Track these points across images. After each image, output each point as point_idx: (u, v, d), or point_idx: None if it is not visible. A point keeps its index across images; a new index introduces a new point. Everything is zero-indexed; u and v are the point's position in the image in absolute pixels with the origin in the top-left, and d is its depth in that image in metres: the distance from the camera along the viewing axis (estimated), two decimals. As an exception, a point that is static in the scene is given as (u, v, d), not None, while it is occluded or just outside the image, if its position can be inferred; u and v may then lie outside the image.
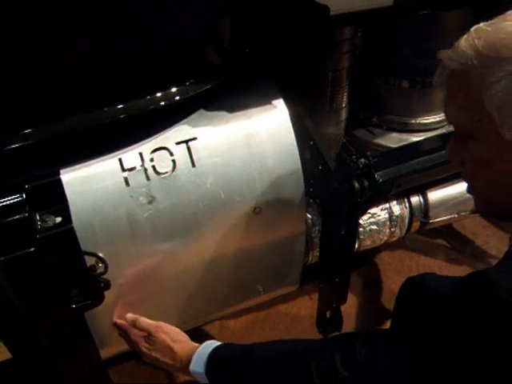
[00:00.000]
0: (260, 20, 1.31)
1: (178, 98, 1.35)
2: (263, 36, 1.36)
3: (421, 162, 1.53)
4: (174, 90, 1.35)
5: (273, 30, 1.34)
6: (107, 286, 1.24)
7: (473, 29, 0.95)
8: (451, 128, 1.04)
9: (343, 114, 1.86)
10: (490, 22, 0.95)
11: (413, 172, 1.52)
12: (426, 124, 1.98)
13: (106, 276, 1.27)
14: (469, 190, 1.06)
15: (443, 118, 1.99)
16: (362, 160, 1.41)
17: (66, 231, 1.11)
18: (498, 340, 0.82)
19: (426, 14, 1.64)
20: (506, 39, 0.89)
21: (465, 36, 0.95)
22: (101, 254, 1.25)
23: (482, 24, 0.95)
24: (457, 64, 0.94)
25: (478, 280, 0.86)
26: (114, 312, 1.39)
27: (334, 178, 1.45)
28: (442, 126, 2.00)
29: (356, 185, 1.41)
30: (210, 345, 1.28)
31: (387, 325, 1.95)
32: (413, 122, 1.97)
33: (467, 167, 1.01)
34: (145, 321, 1.38)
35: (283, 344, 1.22)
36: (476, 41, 0.91)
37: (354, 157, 1.41)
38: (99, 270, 1.23)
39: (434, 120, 1.98)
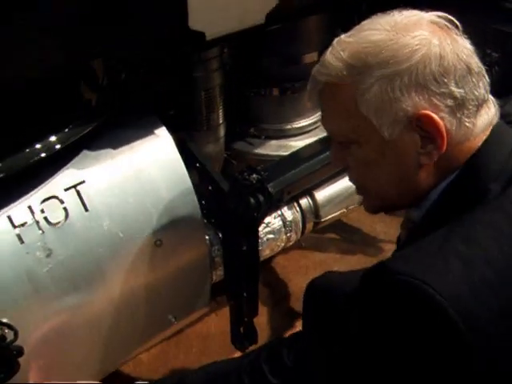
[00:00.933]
0: (138, 52, 1.29)
1: (58, 146, 1.30)
2: (141, 67, 1.34)
3: (308, 166, 1.58)
4: (53, 138, 1.31)
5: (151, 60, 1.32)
6: (20, 353, 1.17)
7: (335, 42, 0.99)
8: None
9: (221, 131, 1.88)
10: (349, 33, 0.98)
11: (302, 177, 1.56)
12: (300, 128, 2.06)
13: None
14: (359, 192, 1.10)
15: (315, 119, 2.07)
16: (254, 176, 1.43)
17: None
18: (403, 321, 0.84)
19: (286, 23, 1.70)
20: (368, 48, 0.93)
21: (329, 49, 0.98)
22: (6, 320, 1.18)
23: (342, 36, 0.98)
24: (327, 77, 0.97)
25: (377, 272, 0.89)
26: (30, 375, 1.31)
27: (230, 199, 1.46)
28: (316, 128, 2.07)
29: (252, 201, 1.43)
30: None
31: (300, 326, 2.01)
32: (288, 127, 2.04)
33: (353, 171, 1.05)
34: None
35: (211, 367, 1.21)
36: (341, 53, 0.95)
37: (245, 174, 1.43)
38: (9, 338, 1.16)
39: (307, 123, 2.06)
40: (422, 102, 0.90)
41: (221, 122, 1.84)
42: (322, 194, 1.95)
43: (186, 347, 2.19)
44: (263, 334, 2.14)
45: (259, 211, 1.46)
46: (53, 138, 1.31)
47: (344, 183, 1.98)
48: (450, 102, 0.90)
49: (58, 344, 1.35)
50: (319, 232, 2.58)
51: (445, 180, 0.96)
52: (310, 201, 1.92)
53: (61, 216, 1.29)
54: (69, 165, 1.32)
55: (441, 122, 0.90)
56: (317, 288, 1.61)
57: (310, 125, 2.05)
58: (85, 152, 1.35)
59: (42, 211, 1.27)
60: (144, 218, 1.39)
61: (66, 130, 1.31)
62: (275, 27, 1.75)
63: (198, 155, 1.56)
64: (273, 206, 1.60)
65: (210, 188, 1.58)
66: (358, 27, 0.98)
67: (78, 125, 1.31)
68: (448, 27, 0.95)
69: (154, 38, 1.23)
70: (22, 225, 1.25)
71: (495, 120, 0.98)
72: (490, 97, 0.98)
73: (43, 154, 1.28)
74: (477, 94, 0.92)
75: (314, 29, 1.91)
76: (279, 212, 1.87)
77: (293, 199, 1.89)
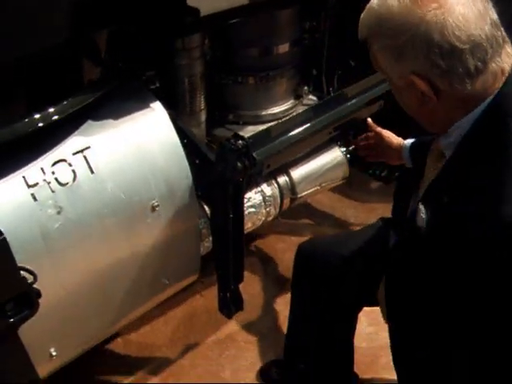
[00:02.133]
0: (135, 27, 1.44)
1: (60, 115, 1.44)
2: (138, 46, 1.49)
3: (290, 137, 1.75)
4: (56, 108, 1.45)
5: (147, 36, 1.48)
6: (39, 294, 1.30)
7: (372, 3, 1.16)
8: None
9: (202, 116, 2.04)
10: None
11: (285, 147, 1.72)
12: (275, 114, 2.23)
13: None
14: None
15: (289, 106, 2.25)
16: (240, 142, 1.58)
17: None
18: None
19: (262, 14, 1.87)
20: (381, 16, 1.12)
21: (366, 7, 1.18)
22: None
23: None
24: (361, 31, 1.18)
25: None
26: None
27: (217, 164, 1.61)
28: (289, 114, 2.25)
29: (239, 165, 1.58)
30: None
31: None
32: (263, 113, 2.22)
33: None
34: None
35: None
36: (370, 12, 1.15)
37: (232, 140, 1.58)
38: (30, 281, 1.28)
39: (281, 109, 2.24)
40: (416, 68, 1.10)
41: (202, 107, 2.01)
42: (297, 173, 2.13)
43: (173, 326, 2.32)
44: (258, 300, 2.39)
45: (245, 175, 1.61)
46: (56, 108, 1.45)
47: (318, 162, 2.16)
48: (436, 71, 1.08)
49: (65, 296, 1.47)
50: (294, 218, 2.76)
51: (472, 111, 1.13)
52: (287, 178, 2.10)
53: (69, 177, 1.43)
54: (76, 132, 1.46)
55: (424, 86, 1.10)
56: (304, 252, 1.77)
57: (284, 111, 2.23)
58: (89, 122, 1.49)
59: (53, 173, 1.41)
60: (143, 183, 1.54)
61: (70, 99, 1.45)
62: (250, 20, 1.94)
63: (186, 130, 1.71)
64: (255, 175, 1.75)
65: (197, 161, 1.73)
66: None
67: (82, 95, 1.46)
68: None
69: (153, 12, 1.39)
70: (36, 184, 1.38)
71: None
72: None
73: (40, 124, 1.42)
74: (472, 62, 1.06)
75: (286, 22, 2.09)
76: (259, 188, 2.03)
77: (271, 176, 2.06)
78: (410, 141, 1.77)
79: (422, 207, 1.22)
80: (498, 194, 1.05)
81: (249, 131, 2.15)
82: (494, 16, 1.09)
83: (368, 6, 1.16)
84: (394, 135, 1.84)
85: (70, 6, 1.28)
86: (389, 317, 1.44)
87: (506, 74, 1.11)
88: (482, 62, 1.07)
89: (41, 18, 1.28)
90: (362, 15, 1.17)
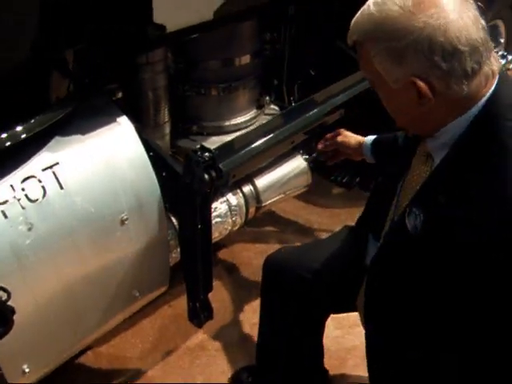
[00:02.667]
0: (102, 44, 1.47)
1: (29, 133, 1.46)
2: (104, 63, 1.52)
3: (254, 148, 1.79)
4: (24, 126, 1.46)
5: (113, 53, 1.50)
6: (13, 312, 1.30)
7: (371, 1, 1.18)
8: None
9: (167, 128, 2.07)
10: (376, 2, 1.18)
11: (250, 158, 1.76)
12: (237, 124, 2.28)
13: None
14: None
15: (251, 116, 2.29)
16: (207, 154, 1.62)
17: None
18: None
19: (224, 27, 1.92)
20: (382, 20, 1.14)
21: (365, 7, 1.19)
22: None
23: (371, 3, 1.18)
24: (354, 35, 1.20)
25: None
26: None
27: (184, 175, 1.64)
28: (251, 124, 2.29)
29: (206, 177, 1.61)
30: None
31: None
32: (227, 124, 2.25)
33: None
34: None
35: None
36: (367, 16, 1.16)
37: (199, 153, 1.61)
38: (4, 298, 1.29)
39: (243, 120, 2.28)
40: (416, 70, 1.12)
41: (166, 119, 2.04)
42: (261, 182, 2.17)
43: (142, 337, 2.32)
44: (228, 306, 2.41)
45: (212, 187, 1.65)
46: (24, 126, 1.46)
47: (281, 171, 2.21)
48: (436, 72, 1.11)
49: (38, 312, 1.48)
50: (259, 226, 2.80)
51: (464, 114, 1.17)
52: (252, 187, 2.14)
53: (39, 194, 1.44)
54: (44, 148, 1.47)
55: (424, 87, 1.12)
56: (272, 265, 1.77)
57: (246, 121, 2.28)
58: (57, 138, 1.51)
59: (23, 189, 1.42)
60: (112, 196, 1.56)
61: (38, 117, 1.46)
62: (212, 33, 1.98)
63: (152, 144, 1.74)
64: (222, 186, 1.79)
65: (164, 174, 1.75)
66: None
67: (49, 112, 1.47)
68: None
69: (121, 30, 1.42)
70: (5, 202, 1.39)
71: (498, 66, 1.19)
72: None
73: (7, 143, 1.43)
74: (470, 64, 1.10)
75: (246, 34, 2.14)
76: (224, 198, 2.06)
77: (236, 186, 2.09)
78: (370, 138, 1.81)
79: (413, 209, 1.24)
80: (497, 196, 1.10)
81: (212, 142, 2.19)
82: (483, 22, 1.14)
83: (363, 10, 1.18)
84: (350, 134, 1.87)
85: (37, 27, 1.29)
86: (368, 321, 1.46)
87: (496, 77, 1.17)
88: (478, 63, 1.12)
89: (7, 39, 1.29)
90: (356, 19, 1.19)
